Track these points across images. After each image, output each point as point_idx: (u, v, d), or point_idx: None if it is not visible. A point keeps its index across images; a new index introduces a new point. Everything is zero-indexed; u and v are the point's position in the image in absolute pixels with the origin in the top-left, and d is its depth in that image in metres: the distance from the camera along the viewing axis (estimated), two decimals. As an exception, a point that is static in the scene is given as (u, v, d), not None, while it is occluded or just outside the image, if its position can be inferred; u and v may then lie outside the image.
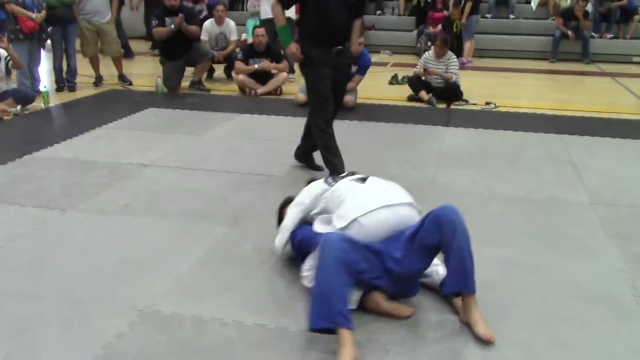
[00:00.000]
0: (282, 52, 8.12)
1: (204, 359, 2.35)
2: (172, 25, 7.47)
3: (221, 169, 4.68)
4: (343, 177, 3.07)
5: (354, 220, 2.69)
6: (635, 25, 12.18)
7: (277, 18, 4.23)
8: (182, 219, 3.72)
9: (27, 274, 2.98)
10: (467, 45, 11.22)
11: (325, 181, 3.09)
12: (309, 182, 3.23)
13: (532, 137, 5.82)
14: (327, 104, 4.29)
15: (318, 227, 2.89)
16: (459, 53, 10.97)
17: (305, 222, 3.05)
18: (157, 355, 2.37)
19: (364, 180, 2.96)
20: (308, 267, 2.82)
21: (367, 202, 2.75)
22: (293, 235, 3.00)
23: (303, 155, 4.75)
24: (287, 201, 3.26)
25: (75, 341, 2.45)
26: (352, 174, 3.11)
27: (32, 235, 3.45)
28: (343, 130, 5.99)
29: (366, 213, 2.71)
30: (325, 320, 2.36)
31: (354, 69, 6.87)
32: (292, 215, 3.05)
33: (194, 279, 2.97)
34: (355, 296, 2.63)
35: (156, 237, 3.46)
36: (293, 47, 4.16)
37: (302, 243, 2.92)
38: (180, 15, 7.47)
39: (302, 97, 6.95)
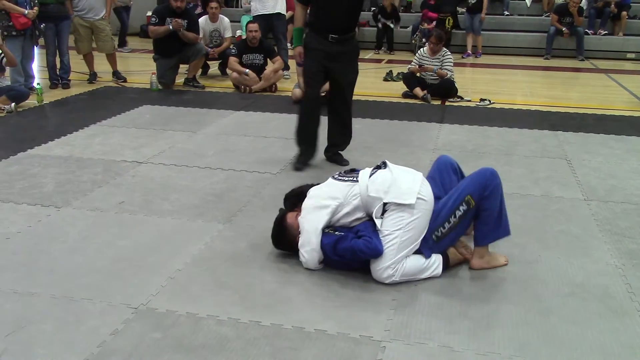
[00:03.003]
0: (275, 48, 8.13)
1: (199, 356, 2.36)
2: (170, 26, 7.44)
3: (216, 165, 4.67)
4: (354, 172, 3.13)
5: (418, 193, 2.89)
6: (625, 21, 12.21)
7: (296, 19, 4.56)
8: (177, 216, 3.71)
9: (21, 272, 2.97)
10: (479, 40, 11.92)
11: (342, 179, 3.08)
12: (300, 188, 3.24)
13: (527, 133, 5.83)
14: (309, 86, 4.53)
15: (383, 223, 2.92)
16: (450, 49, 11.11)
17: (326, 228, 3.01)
18: (152, 353, 2.37)
19: (384, 165, 3.10)
20: (392, 263, 2.85)
21: (414, 177, 3.02)
22: (333, 245, 2.94)
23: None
24: (300, 193, 3.17)
25: (70, 339, 2.45)
26: (354, 170, 3.17)
27: (27, 232, 3.44)
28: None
29: (421, 184, 2.97)
30: (504, 232, 3.05)
31: None
32: (316, 222, 2.96)
33: (189, 276, 2.97)
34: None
35: (151, 234, 3.45)
36: (297, 51, 4.50)
37: (359, 255, 2.88)
38: (178, 20, 7.43)
39: (298, 92, 6.94)
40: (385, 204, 2.90)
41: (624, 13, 12.17)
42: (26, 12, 6.88)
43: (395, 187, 2.91)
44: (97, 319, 2.58)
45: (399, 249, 2.85)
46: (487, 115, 6.60)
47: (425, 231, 2.93)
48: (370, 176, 3.02)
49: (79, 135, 5.50)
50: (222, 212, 3.77)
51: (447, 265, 3.02)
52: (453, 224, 2.94)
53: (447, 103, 7.30)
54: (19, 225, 3.53)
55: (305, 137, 4.62)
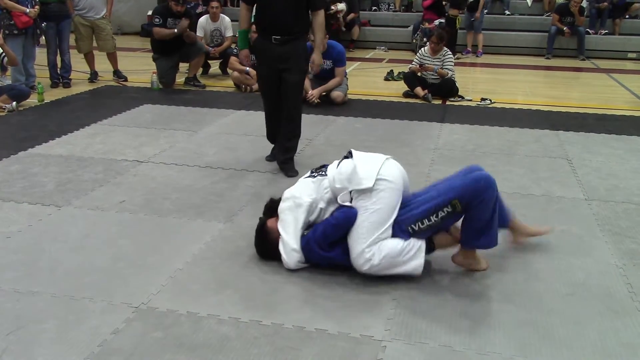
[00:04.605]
0: None
1: (199, 355, 2.36)
2: (176, 30, 7.47)
3: (217, 165, 4.67)
4: (324, 167, 3.17)
5: (378, 176, 2.89)
6: (635, 11, 12.30)
7: (241, 20, 4.48)
8: (178, 215, 3.71)
9: (22, 271, 2.97)
10: (480, 38, 11.92)
11: (312, 176, 3.14)
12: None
13: (527, 133, 5.83)
14: (263, 91, 4.60)
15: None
16: (454, 49, 11.10)
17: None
18: (153, 352, 2.37)
19: (350, 155, 3.10)
20: (366, 247, 2.83)
21: (375, 161, 2.98)
22: (313, 238, 2.96)
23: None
24: (273, 207, 3.19)
25: (71, 338, 2.45)
26: (324, 166, 3.19)
27: (28, 231, 3.44)
28: (338, 126, 6.00)
29: (381, 166, 2.92)
30: (492, 242, 2.94)
31: (328, 64, 6.82)
32: (294, 221, 3.00)
33: (190, 275, 2.97)
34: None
35: (152, 233, 3.45)
36: (242, 54, 4.59)
37: (335, 229, 2.90)
38: (185, 19, 7.49)
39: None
40: (351, 192, 2.94)
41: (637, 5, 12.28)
42: (27, 10, 6.88)
43: (355, 175, 2.94)
44: (97, 318, 2.58)
45: (369, 231, 2.84)
46: (488, 115, 6.59)
47: (396, 211, 2.89)
48: (337, 167, 3.06)
49: (79, 134, 5.50)
50: (222, 212, 3.77)
51: (432, 249, 3.01)
52: (434, 222, 2.87)
53: (448, 102, 7.30)
54: (19, 224, 3.53)
55: (271, 137, 4.77)
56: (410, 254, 2.87)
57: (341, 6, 11.57)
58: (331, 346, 2.42)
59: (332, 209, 3.02)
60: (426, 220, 2.87)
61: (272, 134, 4.77)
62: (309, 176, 3.18)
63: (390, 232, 2.88)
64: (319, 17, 4.30)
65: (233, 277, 2.96)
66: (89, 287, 2.84)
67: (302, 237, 2.98)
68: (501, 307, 2.75)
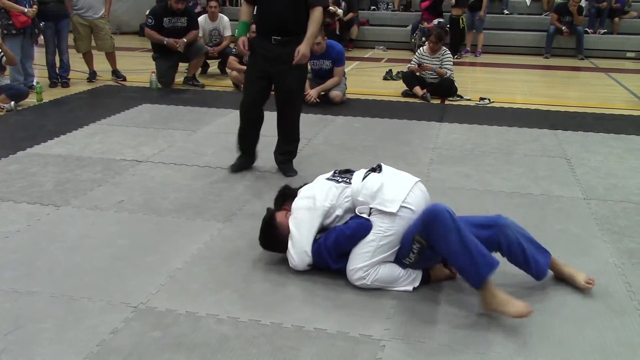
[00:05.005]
0: None
1: (198, 355, 2.35)
2: (165, 41, 7.50)
3: (215, 164, 4.67)
4: (349, 172, 3.10)
5: (403, 202, 2.80)
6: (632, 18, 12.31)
7: (241, 14, 4.37)
8: (177, 215, 3.71)
9: (21, 271, 2.97)
10: (481, 37, 11.96)
11: (335, 179, 3.07)
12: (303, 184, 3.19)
13: (526, 132, 5.83)
14: (247, 89, 4.53)
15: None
16: (456, 48, 11.14)
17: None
18: (152, 352, 2.37)
19: (379, 168, 3.03)
20: (365, 266, 2.79)
21: (404, 184, 2.90)
22: (324, 246, 2.91)
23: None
24: (286, 194, 3.16)
25: (70, 337, 2.44)
26: (349, 171, 3.13)
27: (26, 231, 3.43)
28: (337, 126, 6.00)
29: (409, 193, 2.84)
30: (488, 267, 2.60)
31: (328, 65, 6.83)
32: (309, 223, 2.93)
33: (189, 275, 2.97)
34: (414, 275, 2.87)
35: (150, 233, 3.45)
36: (240, 40, 4.27)
37: (348, 240, 2.84)
38: (176, 41, 7.50)
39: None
40: (371, 208, 2.87)
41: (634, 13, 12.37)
42: (26, 10, 6.88)
43: (381, 193, 2.85)
44: (96, 318, 2.58)
45: (374, 253, 2.79)
46: (486, 114, 6.60)
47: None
48: (363, 179, 2.97)
49: (78, 134, 5.49)
50: (221, 211, 3.77)
51: (427, 281, 2.90)
52: (416, 258, 2.79)
53: (446, 102, 7.31)
54: (18, 224, 3.53)
55: (242, 142, 4.56)
56: (403, 279, 2.85)
57: (340, 11, 11.63)
58: (330, 345, 2.42)
59: (348, 217, 2.97)
60: (412, 254, 2.80)
61: (241, 141, 4.56)
62: (331, 178, 3.08)
63: (393, 257, 2.85)
64: (317, 12, 4.15)
65: (232, 277, 2.95)
66: (88, 286, 2.83)
67: (314, 241, 2.93)
68: (500, 306, 2.75)
